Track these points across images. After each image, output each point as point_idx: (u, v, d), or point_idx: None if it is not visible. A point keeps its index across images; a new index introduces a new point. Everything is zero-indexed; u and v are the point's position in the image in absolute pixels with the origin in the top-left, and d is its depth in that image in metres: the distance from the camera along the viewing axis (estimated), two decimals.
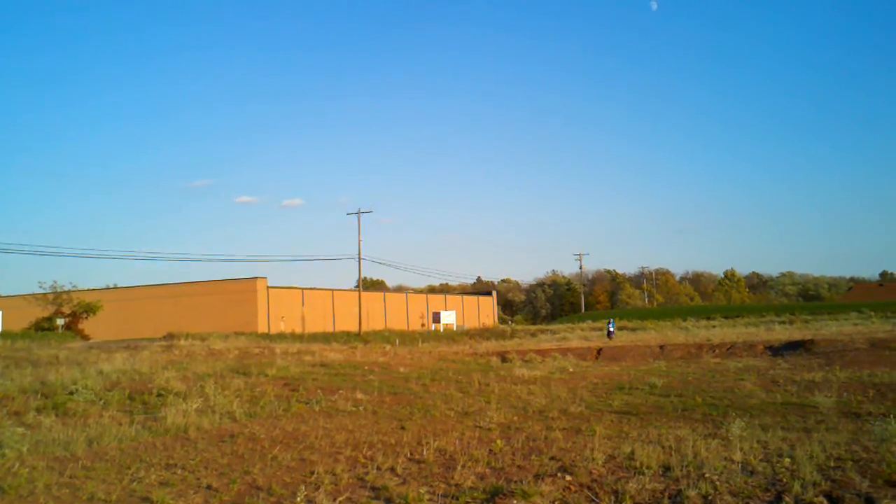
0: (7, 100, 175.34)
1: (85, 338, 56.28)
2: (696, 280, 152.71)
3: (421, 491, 10.35)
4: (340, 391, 21.41)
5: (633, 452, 12.18)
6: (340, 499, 10.04)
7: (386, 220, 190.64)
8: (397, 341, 52.00)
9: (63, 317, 60.07)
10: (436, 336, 67.48)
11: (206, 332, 50.77)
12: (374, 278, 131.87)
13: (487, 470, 11.78)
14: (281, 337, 55.64)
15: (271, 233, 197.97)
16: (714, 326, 61.87)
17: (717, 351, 37.41)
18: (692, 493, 9.54)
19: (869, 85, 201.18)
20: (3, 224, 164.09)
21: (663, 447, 12.50)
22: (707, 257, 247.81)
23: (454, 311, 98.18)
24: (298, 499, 8.52)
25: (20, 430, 14.64)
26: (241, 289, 69.95)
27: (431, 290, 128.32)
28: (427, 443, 13.71)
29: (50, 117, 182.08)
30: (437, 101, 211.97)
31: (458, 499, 9.93)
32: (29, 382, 20.94)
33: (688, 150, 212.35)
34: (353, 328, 70.52)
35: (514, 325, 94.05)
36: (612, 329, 54.77)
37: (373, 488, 10.75)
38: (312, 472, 11.61)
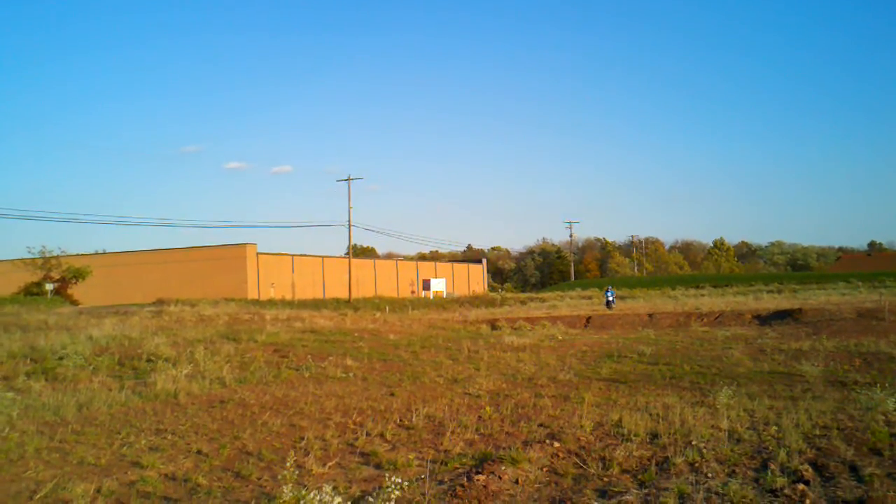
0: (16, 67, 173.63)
1: (74, 303, 56.16)
2: (686, 249, 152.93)
3: (410, 457, 10.43)
4: (330, 358, 21.45)
5: (620, 420, 12.28)
6: (330, 464, 10.11)
7: (374, 188, 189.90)
8: (387, 308, 52.04)
9: (52, 282, 59.87)
10: (425, 303, 67.60)
11: (195, 297, 50.70)
12: (365, 245, 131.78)
13: (476, 436, 11.87)
14: (271, 303, 55.63)
15: (261, 199, 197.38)
16: (703, 295, 62.14)
17: (705, 320, 37.58)
18: (679, 460, 9.64)
19: (858, 56, 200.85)
20: None
21: (651, 415, 12.61)
22: (697, 226, 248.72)
23: (444, 279, 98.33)
24: (288, 464, 8.55)
25: (10, 394, 14.63)
26: (231, 255, 69.83)
27: (422, 257, 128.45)
28: (416, 409, 13.78)
29: (38, 83, 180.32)
30: (427, 70, 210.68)
31: (446, 464, 10.01)
32: (18, 347, 20.89)
33: (678, 117, 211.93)
34: (343, 295, 70.54)
35: (503, 292, 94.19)
36: (611, 298, 48.38)
37: (362, 454, 10.83)
38: (302, 438, 11.68)
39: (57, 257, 61.85)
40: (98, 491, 8.59)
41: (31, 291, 58.44)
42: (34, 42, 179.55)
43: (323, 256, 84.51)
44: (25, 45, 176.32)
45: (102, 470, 9.82)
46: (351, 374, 18.92)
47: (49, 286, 58.78)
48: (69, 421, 12.95)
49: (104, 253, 74.48)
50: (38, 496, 8.50)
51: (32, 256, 61.46)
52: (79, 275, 61.75)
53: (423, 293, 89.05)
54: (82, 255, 68.42)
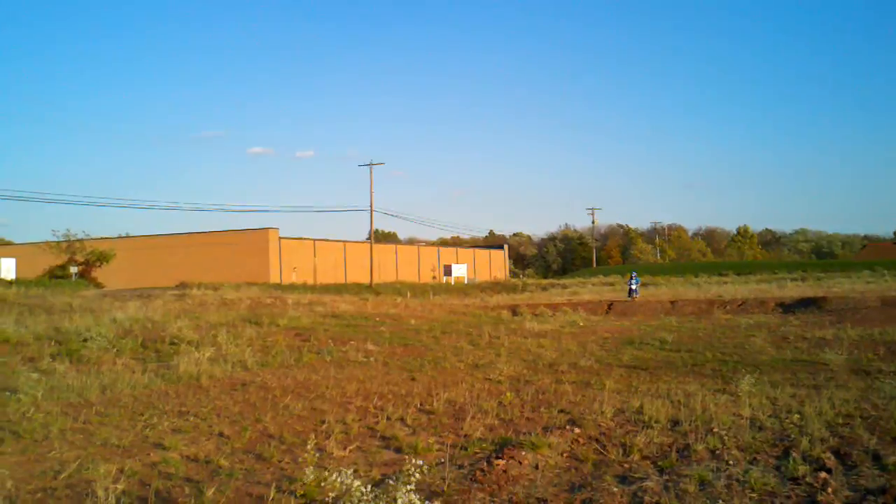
0: (21, 48, 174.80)
1: (98, 286, 56.62)
2: (709, 236, 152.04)
3: (430, 441, 10.44)
4: (352, 342, 21.53)
5: (641, 406, 12.23)
6: (351, 448, 10.15)
7: (397, 173, 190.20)
8: (408, 293, 52.13)
9: (76, 265, 60.43)
10: (447, 289, 67.65)
11: (218, 281, 50.98)
12: (386, 231, 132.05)
13: (496, 421, 11.87)
14: (293, 287, 55.84)
15: (284, 184, 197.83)
16: (726, 283, 61.72)
17: (728, 307, 37.36)
18: (700, 447, 9.60)
19: (886, 41, 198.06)
20: (18, 172, 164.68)
21: (672, 402, 12.56)
22: (720, 213, 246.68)
23: (465, 265, 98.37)
24: (309, 447, 8.59)
25: (35, 375, 14.79)
26: (253, 239, 70.12)
27: (443, 242, 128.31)
28: (437, 394, 13.80)
29: (63, 67, 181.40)
30: (450, 56, 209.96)
31: (466, 449, 10.02)
32: (43, 329, 21.09)
33: (702, 103, 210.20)
34: (365, 280, 70.70)
35: (525, 279, 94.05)
36: (634, 287, 44.00)
37: (383, 438, 10.86)
38: (323, 422, 11.73)
39: (81, 241, 62.38)
40: (121, 471, 8.67)
41: (56, 274, 58.98)
42: (59, 26, 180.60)
43: (345, 241, 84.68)
44: (50, 29, 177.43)
45: (125, 451, 9.91)
46: (372, 359, 18.98)
47: (73, 269, 59.33)
48: (93, 402, 13.08)
49: (128, 237, 75.19)
50: (62, 476, 8.59)
51: (57, 240, 62.04)
52: (102, 258, 62.28)
53: (444, 278, 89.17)
54: (106, 238, 69.00)
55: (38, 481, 8.47)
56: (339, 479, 7.19)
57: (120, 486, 8.00)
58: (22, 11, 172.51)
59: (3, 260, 60.69)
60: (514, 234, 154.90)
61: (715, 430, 10.44)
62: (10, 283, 45.57)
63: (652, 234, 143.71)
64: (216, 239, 70.65)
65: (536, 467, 9.09)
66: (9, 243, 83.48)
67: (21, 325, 21.71)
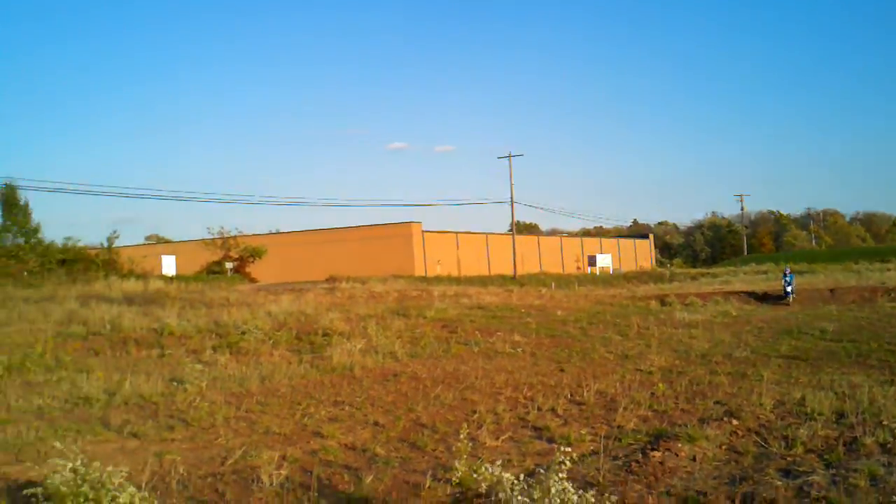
0: (185, 53, 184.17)
1: (252, 280, 58.94)
2: (868, 221, 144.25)
3: (582, 432, 10.36)
4: (498, 333, 21.59)
5: (803, 398, 11.74)
6: (503, 437, 10.18)
7: (537, 164, 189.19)
8: (553, 284, 51.84)
9: (231, 261, 63.14)
10: (592, 279, 66.92)
11: (365, 275, 52.16)
12: (528, 222, 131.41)
13: (650, 413, 11.65)
14: (437, 280, 56.54)
15: (424, 178, 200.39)
16: (889, 269, 58.20)
17: (893, 295, 35.28)
18: (869, 440, 9.13)
19: None
20: (175, 173, 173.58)
21: (836, 393, 12.01)
22: (880, 197, 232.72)
23: (610, 255, 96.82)
24: (462, 436, 8.66)
25: (199, 366, 15.53)
26: (397, 233, 71.26)
27: (586, 233, 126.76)
28: (587, 385, 13.66)
29: (215, 72, 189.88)
30: (587, 41, 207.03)
31: (620, 440, 9.87)
32: (204, 322, 22.16)
33: (852, 82, 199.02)
34: (508, 271, 70.76)
35: (672, 268, 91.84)
36: (789, 289, 35.88)
37: (534, 428, 10.84)
38: (474, 412, 11.81)
39: (235, 237, 65.05)
40: (283, 458, 8.98)
41: (213, 270, 61.76)
42: (216, 25, 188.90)
43: (487, 233, 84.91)
44: (204, 32, 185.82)
45: (286, 438, 10.27)
46: (519, 350, 18.98)
47: (228, 265, 62.04)
48: (253, 392, 13.64)
49: (278, 233, 77.61)
50: (229, 462, 8.98)
51: (212, 237, 64.93)
52: (255, 254, 64.75)
53: (588, 269, 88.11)
54: (258, 235, 71.64)
55: (206, 466, 8.88)
56: (492, 469, 7.21)
57: (283, 472, 8.30)
58: (186, 18, 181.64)
59: (164, 257, 64.11)
60: (660, 223, 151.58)
61: (885, 423, 9.90)
62: (171, 278, 48.13)
63: (805, 220, 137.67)
64: (362, 234, 72.20)
65: (694, 459, 8.86)
66: (169, 241, 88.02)
67: (183, 318, 22.88)
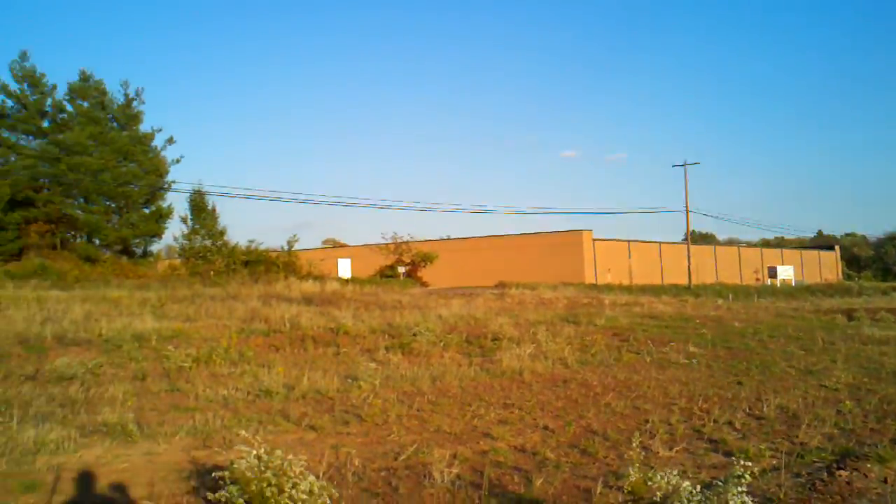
0: (364, 65, 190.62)
1: (423, 284, 60.08)
2: None
3: (762, 447, 9.90)
4: (671, 343, 21.03)
5: None
6: (676, 448, 9.89)
7: (713, 173, 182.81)
8: (730, 296, 50.01)
9: (403, 265, 64.66)
10: (772, 291, 64.02)
11: (534, 281, 52.07)
12: (703, 231, 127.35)
13: (835, 431, 11.04)
14: (608, 288, 55.68)
15: (594, 186, 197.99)
16: None
17: None
18: None
19: None
20: (350, 180, 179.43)
21: None
22: None
23: (792, 266, 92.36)
24: (634, 444, 8.48)
25: (372, 365, 15.97)
26: (567, 241, 70.73)
27: (765, 243, 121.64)
28: (766, 399, 13.09)
29: (391, 83, 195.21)
30: (765, 50, 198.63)
31: (803, 457, 9.40)
32: (377, 323, 22.77)
33: None
34: (682, 281, 68.83)
35: (860, 281, 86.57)
36: None
37: (710, 440, 10.48)
38: (646, 421, 11.54)
39: (407, 243, 66.57)
40: (454, 457, 9.07)
41: (386, 274, 63.39)
42: (393, 46, 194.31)
43: (660, 242, 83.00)
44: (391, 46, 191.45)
45: (456, 438, 10.38)
46: (694, 361, 18.40)
47: (401, 269, 63.55)
48: (424, 392, 13.88)
49: (448, 239, 78.78)
50: (402, 458, 9.17)
51: (386, 242, 66.72)
52: (427, 259, 66.01)
53: (768, 280, 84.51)
54: (429, 240, 72.94)
55: (380, 461, 9.10)
56: (666, 478, 7.02)
57: (454, 470, 8.40)
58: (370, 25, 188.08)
59: (340, 260, 66.40)
60: (847, 234, 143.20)
61: None
62: (347, 281, 49.74)
63: None
64: (531, 241, 72.17)
65: (885, 481, 8.31)
66: (344, 245, 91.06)
67: (358, 319, 23.60)
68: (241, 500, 6.47)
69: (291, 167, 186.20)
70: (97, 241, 51.29)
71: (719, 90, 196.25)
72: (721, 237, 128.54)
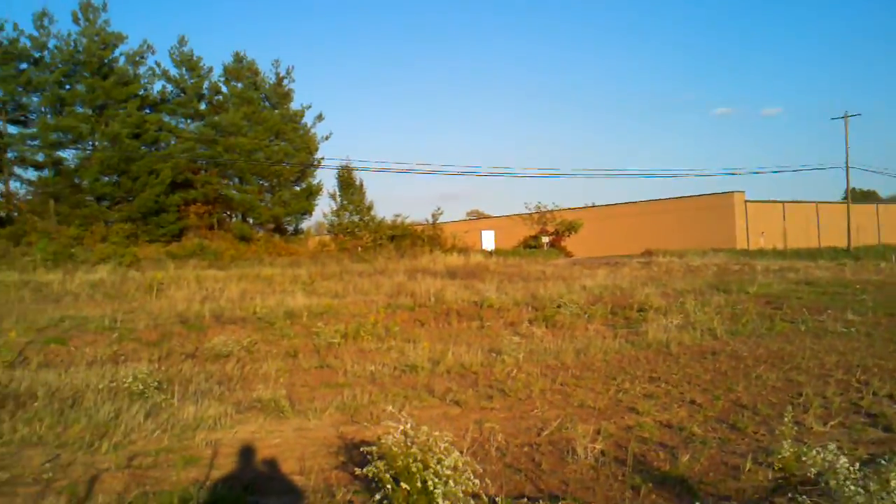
0: (502, 29, 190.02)
1: (567, 254, 59.62)
2: None
3: None
4: (828, 311, 20.14)
5: None
6: (832, 423, 9.48)
7: (876, 123, 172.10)
8: (894, 258, 47.32)
9: (547, 235, 64.29)
10: None
11: (682, 248, 50.88)
12: (865, 189, 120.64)
13: None
14: (761, 253, 53.75)
15: (749, 144, 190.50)
16: None
17: None
18: None
19: None
20: (495, 150, 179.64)
21: None
22: None
23: None
24: (786, 419, 8.20)
25: (516, 339, 16.04)
26: (717, 204, 68.57)
27: None
28: None
29: (531, 47, 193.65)
30: None
31: None
32: (521, 296, 22.83)
33: None
34: (841, 243, 65.59)
35: None
36: None
37: (868, 414, 9.99)
38: (800, 394, 11.12)
39: (551, 212, 66.09)
40: (598, 432, 9.02)
41: (529, 244, 63.25)
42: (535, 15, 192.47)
43: (817, 202, 79.18)
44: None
45: (600, 413, 10.31)
46: (853, 329, 17.53)
47: (544, 239, 63.24)
48: (568, 365, 13.83)
49: (593, 206, 77.68)
50: (545, 433, 9.19)
51: (529, 212, 66.48)
52: (571, 227, 65.34)
53: None
54: (573, 208, 72.19)
55: (523, 436, 9.16)
56: (822, 454, 6.75)
57: (597, 446, 8.35)
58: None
59: (484, 232, 66.80)
60: None
61: None
62: (490, 253, 50.04)
63: None
64: (679, 205, 70.36)
65: None
66: (488, 216, 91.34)
67: (502, 291, 23.74)
68: (388, 476, 6.65)
69: (433, 140, 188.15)
70: (251, 220, 53.47)
71: (880, 32, 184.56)
72: (884, 194, 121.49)
